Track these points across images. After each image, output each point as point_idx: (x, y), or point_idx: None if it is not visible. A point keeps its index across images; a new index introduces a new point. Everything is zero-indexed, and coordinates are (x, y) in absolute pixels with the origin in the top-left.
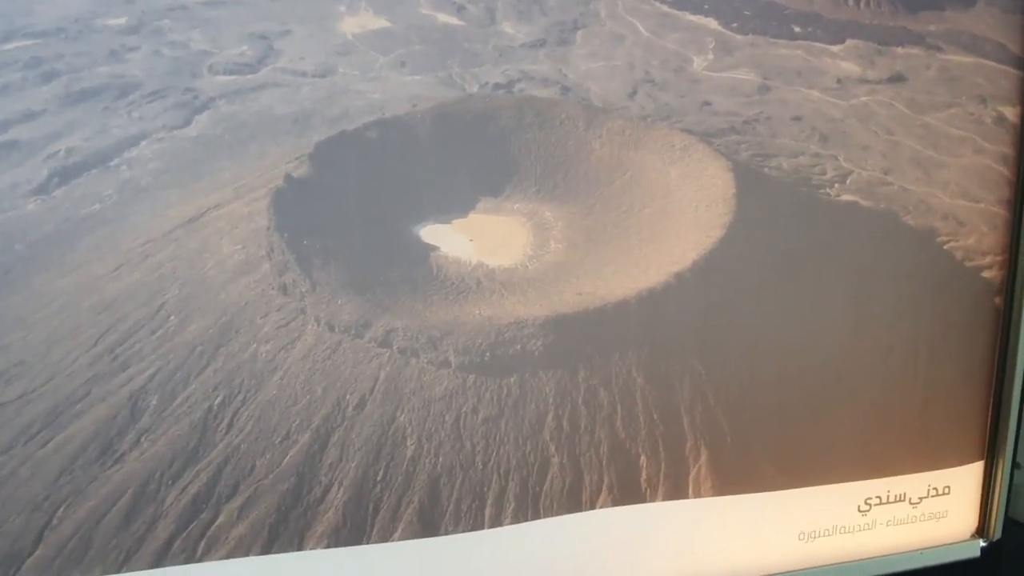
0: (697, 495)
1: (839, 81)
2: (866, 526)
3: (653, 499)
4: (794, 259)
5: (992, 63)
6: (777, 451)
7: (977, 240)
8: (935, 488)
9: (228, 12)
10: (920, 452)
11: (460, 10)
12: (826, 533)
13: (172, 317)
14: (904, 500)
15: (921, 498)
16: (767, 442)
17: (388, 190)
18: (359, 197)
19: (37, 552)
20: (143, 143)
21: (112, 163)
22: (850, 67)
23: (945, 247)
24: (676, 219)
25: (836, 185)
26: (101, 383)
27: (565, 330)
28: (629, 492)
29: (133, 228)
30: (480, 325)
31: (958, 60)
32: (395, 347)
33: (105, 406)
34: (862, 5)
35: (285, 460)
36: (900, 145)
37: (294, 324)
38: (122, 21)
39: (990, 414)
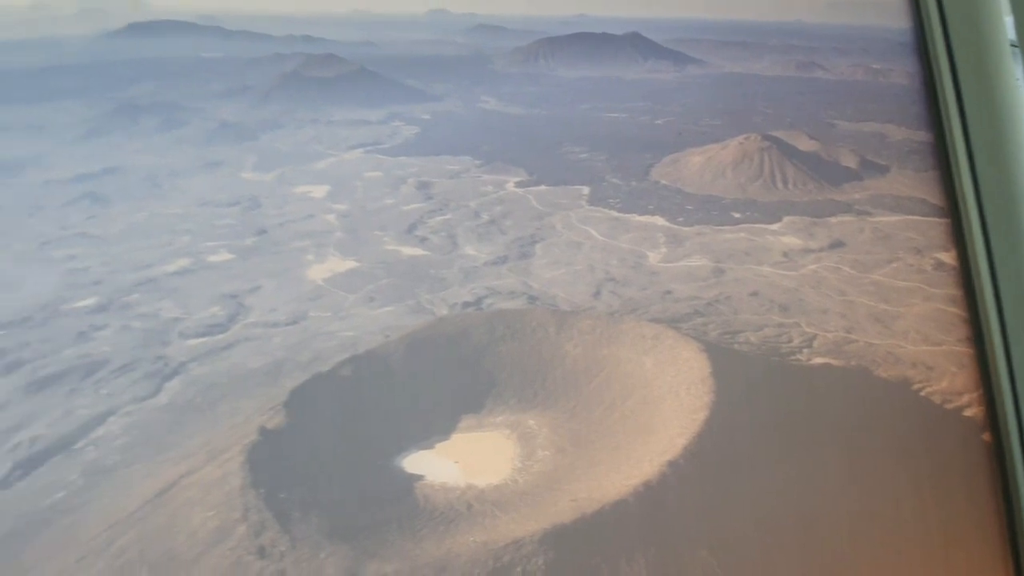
0: None
1: (785, 254)
2: None
3: None
4: (780, 427)
5: (918, 217)
6: None
7: (950, 382)
8: None
9: (197, 278)
10: None
11: (423, 241)
12: None
13: None
14: None
15: None
16: None
17: (367, 426)
18: (337, 438)
19: None
20: (110, 419)
21: (77, 446)
22: (792, 241)
23: (921, 393)
24: (659, 407)
25: (804, 350)
26: None
27: (565, 542)
28: None
29: (98, 513)
30: (475, 554)
31: (887, 220)
32: None
33: None
34: (790, 186)
35: None
36: (855, 304)
37: None
38: (90, 302)
39: (1011, 556)
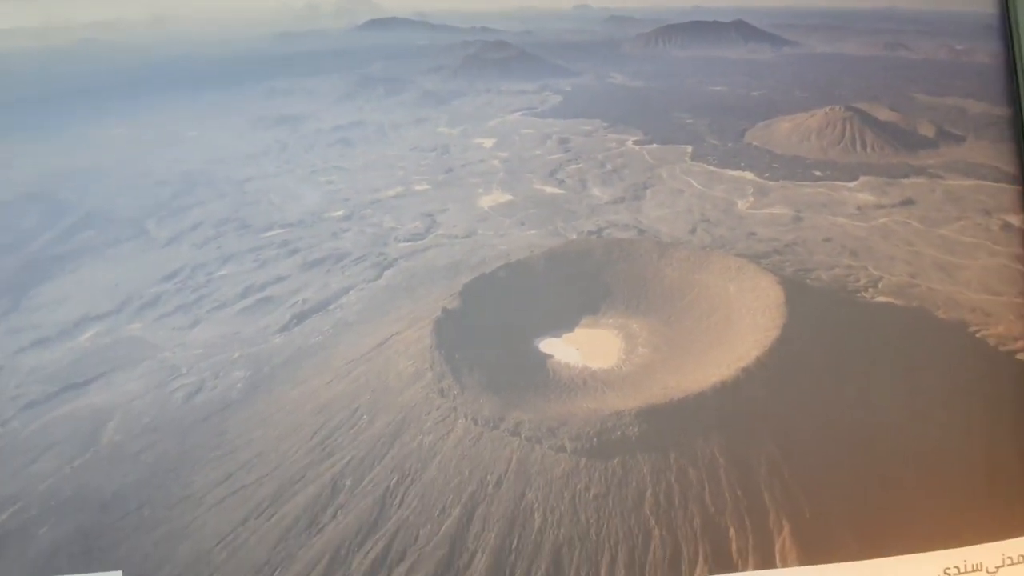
0: (784, 564)
1: (858, 208)
2: None
3: (744, 568)
4: (843, 352)
5: (990, 183)
6: (855, 523)
7: (1007, 328)
8: (1010, 557)
9: (408, 201)
10: (992, 522)
11: (561, 183)
12: None
13: (364, 416)
14: (981, 569)
15: (998, 567)
16: (845, 515)
17: (515, 314)
18: (494, 321)
19: None
20: (351, 292)
21: (330, 307)
22: (866, 197)
23: (978, 335)
24: (738, 325)
25: (870, 289)
26: (313, 468)
27: (656, 418)
28: (723, 562)
29: (341, 352)
30: (588, 416)
31: (959, 183)
32: (523, 436)
33: (314, 487)
34: (868, 150)
35: (441, 530)
36: (921, 254)
37: (448, 419)
38: (340, 213)
39: None
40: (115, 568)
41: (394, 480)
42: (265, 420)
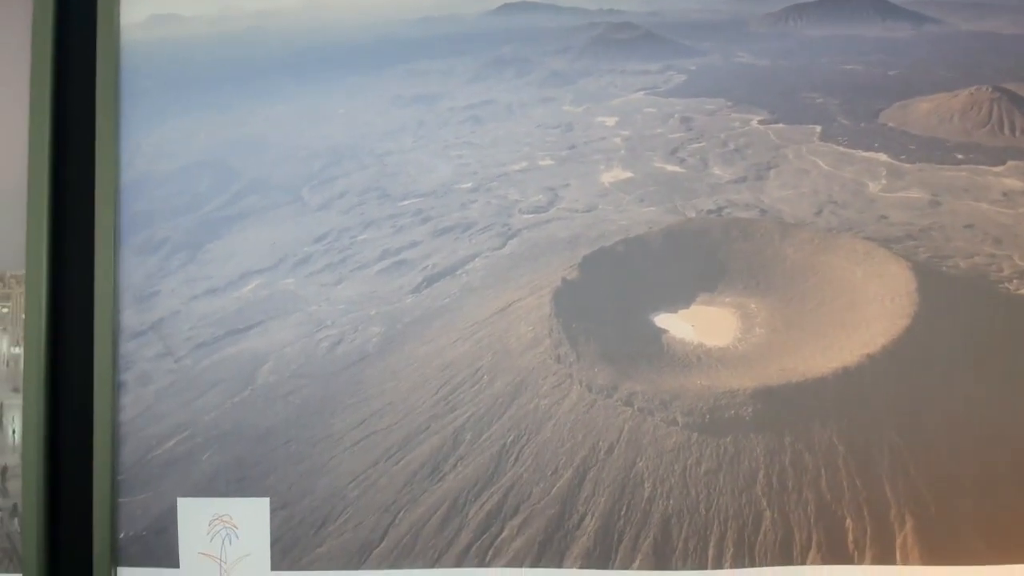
0: (905, 562)
1: (1005, 194)
2: None
3: (861, 561)
4: (980, 345)
5: None
6: (986, 526)
7: None
8: None
9: (532, 175)
10: None
11: (682, 161)
12: None
13: (485, 376)
14: None
15: None
16: (975, 516)
17: (631, 288)
18: (611, 293)
19: (382, 544)
20: (476, 259)
21: (457, 272)
22: (1014, 183)
23: None
24: (864, 310)
25: (1015, 280)
26: (437, 420)
27: (771, 400)
28: (837, 552)
29: (466, 314)
30: (701, 392)
31: None
32: (636, 406)
33: (438, 437)
34: (1018, 133)
35: (553, 490)
36: None
37: (564, 385)
38: (469, 185)
39: None
40: (264, 495)
41: (511, 438)
42: (396, 373)
